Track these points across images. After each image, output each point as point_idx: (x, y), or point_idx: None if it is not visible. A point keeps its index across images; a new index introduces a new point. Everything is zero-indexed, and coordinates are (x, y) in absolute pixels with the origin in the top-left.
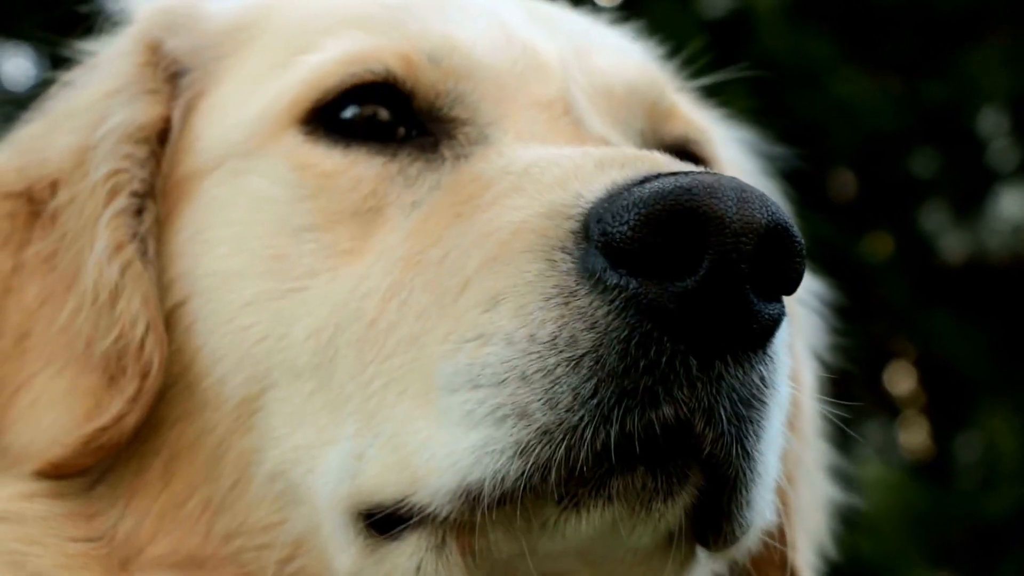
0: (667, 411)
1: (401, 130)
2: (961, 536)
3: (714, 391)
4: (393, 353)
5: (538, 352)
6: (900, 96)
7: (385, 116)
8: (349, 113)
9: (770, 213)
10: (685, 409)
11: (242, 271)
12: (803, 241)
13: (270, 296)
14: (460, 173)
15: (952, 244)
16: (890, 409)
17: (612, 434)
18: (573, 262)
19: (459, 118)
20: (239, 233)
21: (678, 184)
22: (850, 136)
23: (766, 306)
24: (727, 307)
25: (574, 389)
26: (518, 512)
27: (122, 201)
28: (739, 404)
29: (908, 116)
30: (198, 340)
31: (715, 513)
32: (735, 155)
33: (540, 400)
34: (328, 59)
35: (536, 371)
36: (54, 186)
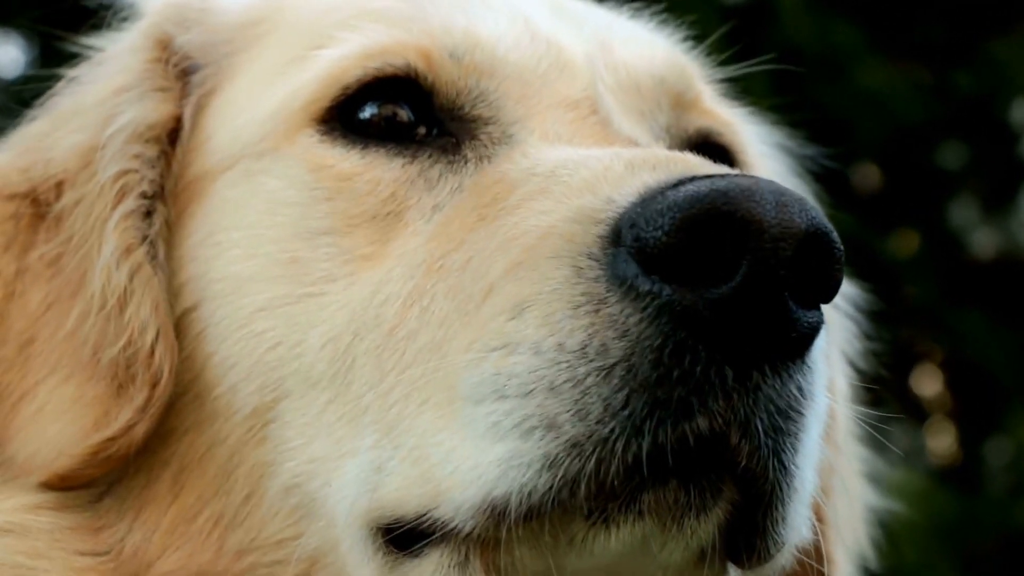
0: (701, 423)
1: (421, 129)
2: (990, 545)
3: (751, 402)
4: (414, 362)
5: (567, 362)
6: (928, 86)
7: (404, 116)
8: (368, 112)
9: (809, 218)
10: (720, 421)
11: (256, 275)
12: (842, 247)
13: (285, 301)
14: (483, 175)
15: (982, 240)
16: (916, 413)
17: (644, 446)
18: (602, 268)
19: (481, 117)
20: (253, 236)
21: (715, 187)
22: (876, 128)
23: (805, 314)
24: (765, 315)
25: (605, 400)
26: (545, 528)
27: (131, 203)
28: (776, 416)
29: (936, 107)
30: (209, 347)
31: (749, 529)
32: (761, 150)
33: (569, 411)
34: (345, 54)
35: (565, 381)
36: (59, 187)
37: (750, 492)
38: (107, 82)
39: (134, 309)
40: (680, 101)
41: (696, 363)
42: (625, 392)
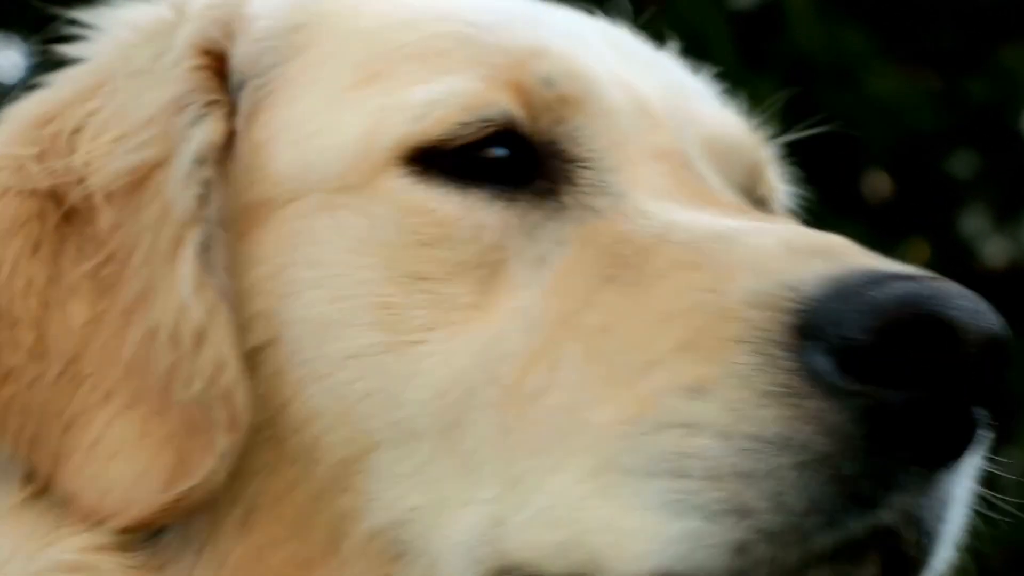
0: (887, 516)
1: (514, 164)
2: (1001, 561)
3: (927, 498)
4: (541, 421)
5: (762, 451)
6: (939, 93)
7: (494, 154)
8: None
9: (994, 323)
10: (899, 514)
11: (342, 320)
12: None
13: (378, 350)
14: (594, 229)
15: (993, 250)
16: None
17: (837, 539)
18: (796, 361)
19: (578, 158)
20: (336, 277)
21: (919, 291)
22: (886, 135)
23: (979, 412)
24: (955, 418)
25: (805, 492)
26: None
27: (201, 229)
28: (943, 507)
29: (947, 114)
30: (288, 390)
31: None
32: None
33: (767, 501)
34: (435, 100)
35: (762, 471)
36: (103, 198)
37: (890, 568)
38: (156, 92)
39: (212, 347)
40: (754, 170)
41: (893, 462)
42: (827, 487)
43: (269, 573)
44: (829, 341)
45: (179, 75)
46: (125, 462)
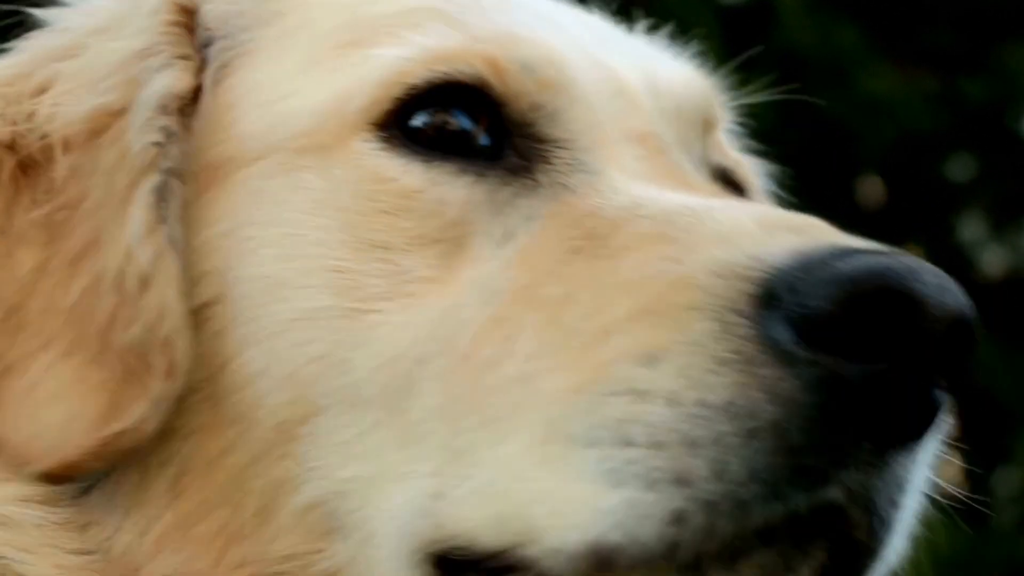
0: (835, 494)
1: (481, 140)
2: None
3: (879, 478)
4: (492, 391)
5: (709, 418)
6: (936, 94)
7: (457, 125)
8: (419, 120)
9: (962, 302)
10: (848, 492)
11: (293, 281)
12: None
13: (330, 314)
14: (566, 204)
15: (991, 257)
16: None
17: (779, 512)
18: (752, 328)
19: (553, 138)
20: (291, 236)
21: (884, 264)
22: (880, 137)
23: (939, 394)
24: (913, 395)
25: (748, 462)
26: None
27: (156, 178)
28: (895, 491)
29: (944, 116)
30: (232, 348)
31: None
32: (761, 184)
33: (708, 469)
34: (408, 55)
35: (705, 437)
36: (57, 147)
37: (840, 555)
38: (124, 43)
39: (156, 293)
40: (707, 126)
41: (844, 436)
42: (770, 457)
43: (195, 542)
44: (788, 310)
45: (149, 27)
46: (58, 406)
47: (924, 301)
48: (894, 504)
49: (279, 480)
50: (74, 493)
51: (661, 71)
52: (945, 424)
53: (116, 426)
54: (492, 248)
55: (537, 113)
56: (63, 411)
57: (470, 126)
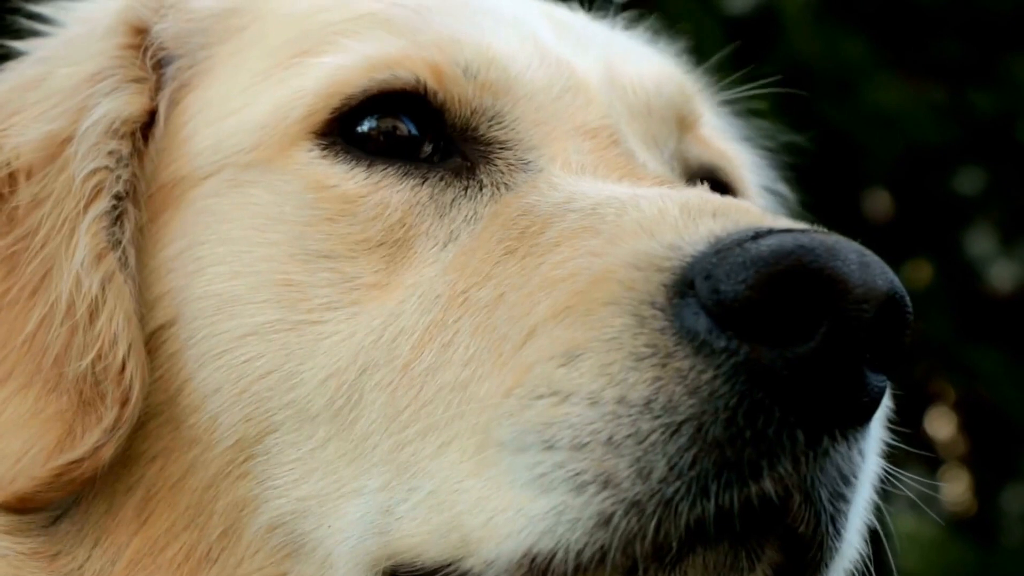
0: (767, 486)
1: (427, 147)
2: None
3: (818, 468)
4: (432, 400)
5: (629, 416)
6: (944, 106)
7: (405, 130)
8: (367, 126)
9: (889, 280)
10: (785, 485)
11: (243, 296)
12: (912, 311)
13: (277, 328)
14: (505, 204)
15: (1000, 272)
16: (928, 457)
17: (709, 509)
18: (668, 319)
19: (497, 140)
20: (240, 253)
21: (799, 243)
22: (887, 150)
23: (875, 378)
24: (841, 378)
25: (670, 458)
26: None
27: (104, 203)
28: (839, 482)
29: (953, 128)
30: (187, 369)
31: None
32: (756, 182)
33: (630, 469)
34: (348, 63)
35: (626, 436)
36: (17, 177)
37: (795, 554)
38: (77, 67)
39: (106, 320)
40: (683, 123)
41: (769, 425)
42: (693, 451)
43: (164, 569)
44: (702, 297)
45: (101, 51)
46: (14, 438)
47: (843, 279)
48: (840, 497)
49: (240, 500)
50: (43, 522)
51: (630, 67)
52: (885, 411)
53: (70, 455)
54: (436, 251)
55: (480, 116)
56: (19, 443)
57: (416, 131)
